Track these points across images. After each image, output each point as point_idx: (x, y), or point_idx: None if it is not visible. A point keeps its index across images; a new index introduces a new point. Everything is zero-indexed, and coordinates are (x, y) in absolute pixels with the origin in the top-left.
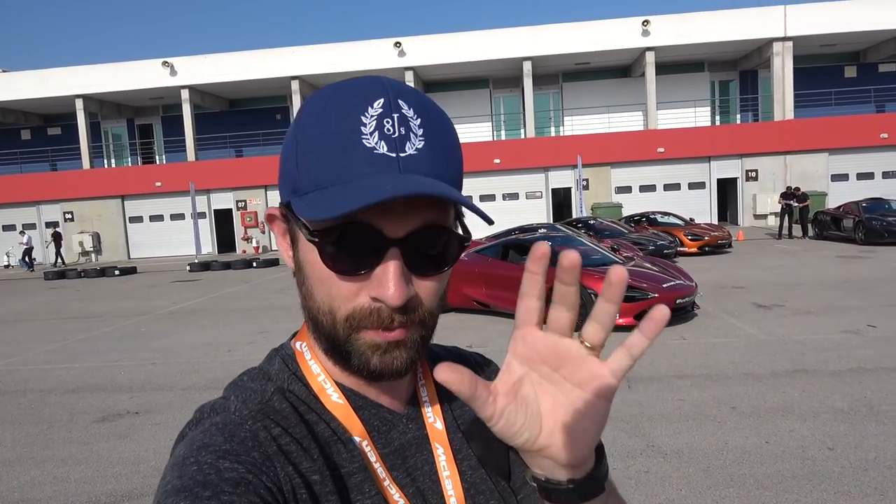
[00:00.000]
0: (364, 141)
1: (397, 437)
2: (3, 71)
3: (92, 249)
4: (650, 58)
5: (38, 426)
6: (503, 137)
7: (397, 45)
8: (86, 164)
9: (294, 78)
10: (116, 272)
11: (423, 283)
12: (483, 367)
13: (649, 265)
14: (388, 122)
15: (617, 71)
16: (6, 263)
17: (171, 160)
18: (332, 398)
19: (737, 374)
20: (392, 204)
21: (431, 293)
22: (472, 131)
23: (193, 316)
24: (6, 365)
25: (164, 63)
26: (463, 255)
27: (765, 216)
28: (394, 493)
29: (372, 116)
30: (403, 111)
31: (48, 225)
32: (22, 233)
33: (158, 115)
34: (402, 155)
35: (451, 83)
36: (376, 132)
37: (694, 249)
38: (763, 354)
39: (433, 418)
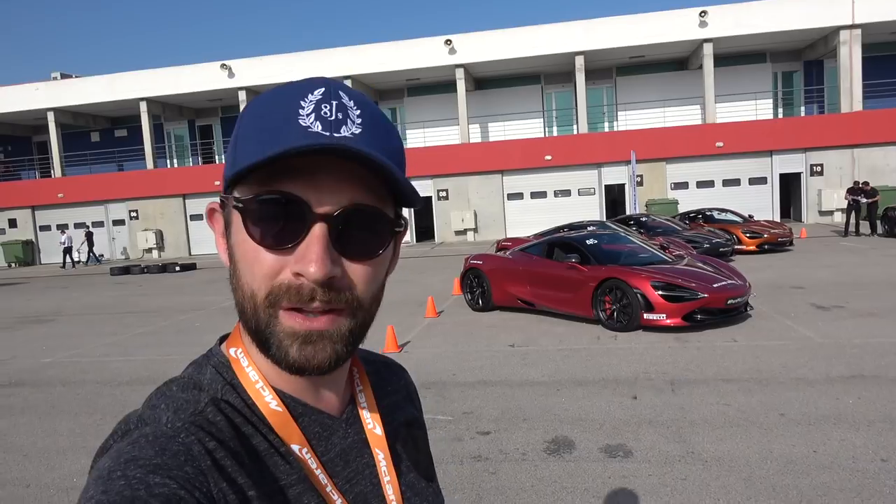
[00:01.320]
0: (300, 120)
1: (337, 442)
2: (76, 77)
3: (155, 246)
4: (708, 49)
5: (91, 416)
6: (555, 134)
7: (448, 42)
8: (149, 164)
9: (347, 77)
10: (177, 268)
11: (352, 266)
12: (400, 373)
13: (701, 264)
14: (325, 107)
15: (673, 63)
16: (77, 259)
17: None
18: (271, 405)
19: (788, 379)
20: (322, 177)
21: (362, 279)
22: (523, 128)
23: None
24: (69, 357)
25: (223, 66)
26: (507, 252)
27: (830, 213)
28: (336, 499)
29: (310, 101)
30: (343, 101)
31: (115, 223)
32: (62, 232)
33: (218, 116)
34: (335, 135)
35: (502, 80)
36: (313, 114)
37: (752, 248)
38: (818, 358)
39: (373, 424)
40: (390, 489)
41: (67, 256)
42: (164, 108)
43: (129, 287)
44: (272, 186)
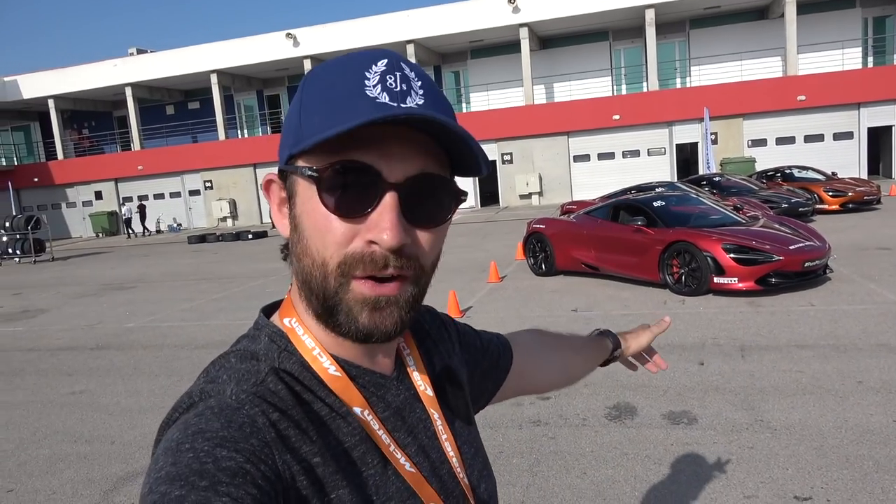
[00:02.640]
0: (367, 91)
1: (392, 400)
2: (150, 52)
3: (229, 215)
4: None
5: (170, 378)
6: (623, 92)
7: (511, 1)
8: (221, 135)
9: (409, 42)
10: (249, 236)
11: (419, 233)
12: (448, 324)
13: (777, 225)
14: (390, 78)
15: (752, 13)
16: (158, 229)
17: None
18: (330, 371)
19: (868, 346)
20: (392, 146)
21: (428, 246)
22: (589, 87)
23: None
24: (150, 322)
25: (288, 35)
26: (571, 216)
27: None
28: (399, 457)
29: (376, 73)
30: (406, 72)
31: (191, 193)
32: (123, 204)
33: (285, 85)
34: (402, 106)
35: (567, 38)
36: (379, 85)
37: (835, 207)
38: None
39: (423, 385)
40: (448, 446)
41: (129, 227)
42: (233, 79)
43: (204, 255)
44: (343, 156)
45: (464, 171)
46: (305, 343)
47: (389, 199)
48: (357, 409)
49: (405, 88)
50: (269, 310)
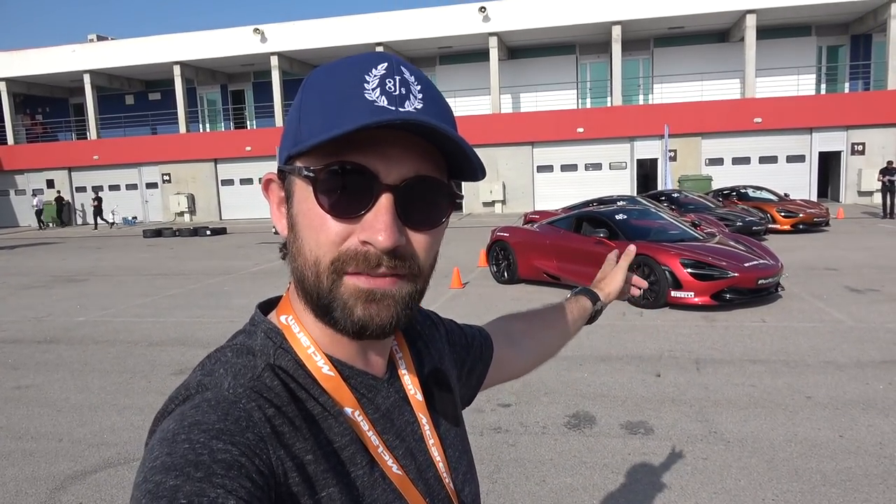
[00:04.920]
0: (366, 95)
1: (382, 402)
2: (112, 39)
3: (187, 210)
4: (751, 21)
5: (122, 375)
6: (588, 106)
7: (482, 10)
8: (182, 128)
9: (378, 44)
10: (208, 232)
11: (414, 235)
12: (437, 324)
13: (733, 242)
14: (389, 82)
15: (713, 35)
16: (112, 221)
17: (262, 125)
18: (323, 370)
19: (817, 362)
20: (389, 149)
21: (423, 248)
22: (555, 99)
23: (274, 277)
24: (102, 316)
25: (256, 30)
26: (535, 226)
27: (870, 193)
28: (387, 458)
29: (375, 76)
30: (405, 76)
31: (148, 186)
32: (34, 195)
33: (250, 81)
34: (401, 110)
35: (536, 49)
36: (378, 89)
37: (787, 227)
38: (849, 342)
39: (414, 390)
40: (435, 451)
41: (40, 218)
42: (197, 72)
43: (160, 250)
44: (340, 158)
45: (461, 175)
46: (301, 341)
47: (385, 201)
48: (348, 410)
49: (404, 92)
50: (265, 306)
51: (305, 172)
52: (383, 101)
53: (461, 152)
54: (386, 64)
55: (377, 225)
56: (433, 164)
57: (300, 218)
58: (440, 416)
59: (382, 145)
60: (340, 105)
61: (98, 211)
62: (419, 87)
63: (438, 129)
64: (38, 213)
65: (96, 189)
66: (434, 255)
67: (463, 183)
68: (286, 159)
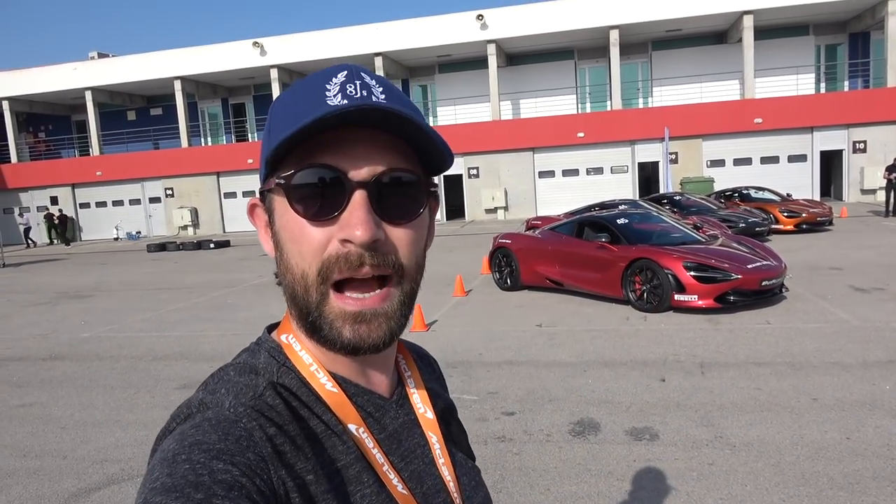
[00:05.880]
0: (328, 101)
1: (390, 422)
2: (112, 56)
3: (190, 223)
4: (748, 22)
5: (126, 391)
6: (588, 110)
7: (480, 17)
8: (184, 142)
9: (377, 54)
10: (211, 245)
11: (394, 230)
12: (433, 363)
13: (735, 244)
14: (350, 87)
15: (711, 37)
16: (116, 236)
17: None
18: (327, 387)
19: (822, 363)
20: (356, 147)
21: (404, 242)
22: (555, 104)
23: (277, 289)
24: (106, 332)
25: (255, 44)
26: (537, 232)
27: (873, 191)
28: (392, 477)
29: (336, 83)
30: (366, 80)
31: (151, 200)
32: (21, 214)
33: (250, 94)
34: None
35: (534, 55)
36: (340, 94)
37: (790, 227)
38: (855, 342)
39: (423, 408)
40: (446, 470)
41: (27, 236)
42: (197, 86)
43: (164, 264)
44: (308, 161)
45: (433, 167)
46: (303, 359)
47: (358, 197)
48: (352, 427)
49: (365, 94)
50: (273, 328)
51: (277, 181)
52: (344, 103)
53: (425, 137)
54: (346, 72)
55: (353, 221)
56: (404, 157)
57: (282, 233)
58: (455, 445)
59: (350, 144)
60: (303, 114)
61: (60, 227)
62: (381, 89)
63: (396, 112)
64: (27, 231)
65: (59, 209)
66: (419, 253)
67: (465, 190)
68: (264, 180)
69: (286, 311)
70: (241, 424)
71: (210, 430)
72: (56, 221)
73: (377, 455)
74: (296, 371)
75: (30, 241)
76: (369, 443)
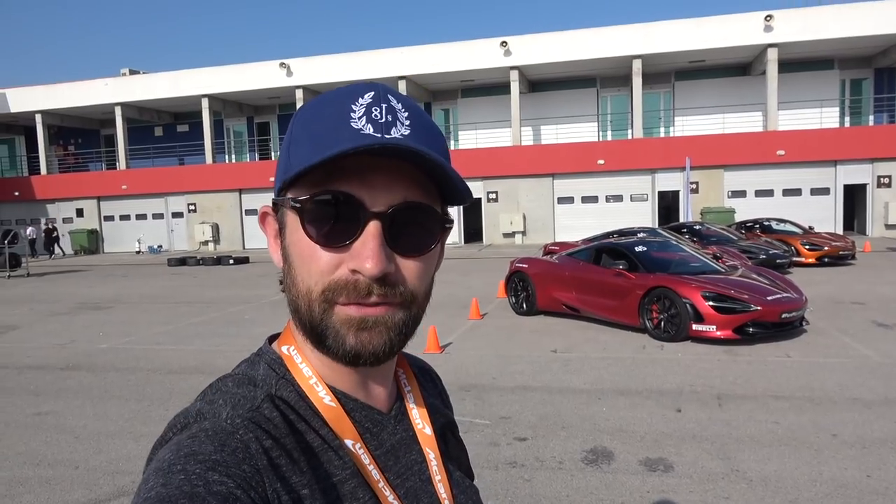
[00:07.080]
0: (352, 123)
1: (387, 438)
2: (143, 73)
3: (211, 239)
4: (772, 55)
5: (140, 403)
6: (609, 138)
7: (503, 44)
8: (209, 159)
9: (401, 78)
10: (231, 261)
11: (405, 262)
12: (435, 379)
13: (756, 276)
14: (376, 110)
15: (735, 69)
16: (138, 250)
17: None
18: (325, 401)
19: (843, 399)
20: (375, 177)
21: (414, 274)
22: (576, 131)
23: None
24: (123, 343)
25: (282, 64)
26: (554, 257)
27: None
28: (388, 494)
29: (361, 105)
30: (392, 104)
31: (174, 215)
32: (27, 227)
33: (275, 113)
34: (386, 136)
35: (556, 82)
36: (364, 117)
37: (812, 260)
38: (877, 378)
39: (422, 424)
40: (441, 488)
41: (31, 248)
42: (224, 104)
43: (184, 278)
44: (327, 187)
45: (450, 200)
46: (303, 371)
47: (372, 228)
48: (349, 442)
49: (390, 119)
50: (274, 338)
51: (293, 203)
52: (369, 129)
53: (445, 176)
54: (373, 92)
55: (364, 253)
56: (422, 190)
57: (292, 248)
58: (453, 462)
59: (368, 173)
60: (327, 134)
61: (54, 240)
62: (406, 115)
63: (419, 153)
64: (32, 242)
65: (50, 220)
66: (428, 282)
67: (484, 214)
68: (279, 191)
69: (288, 321)
70: (238, 436)
71: (206, 441)
72: (54, 235)
73: (373, 471)
74: (294, 384)
75: (34, 252)
76: (365, 459)
